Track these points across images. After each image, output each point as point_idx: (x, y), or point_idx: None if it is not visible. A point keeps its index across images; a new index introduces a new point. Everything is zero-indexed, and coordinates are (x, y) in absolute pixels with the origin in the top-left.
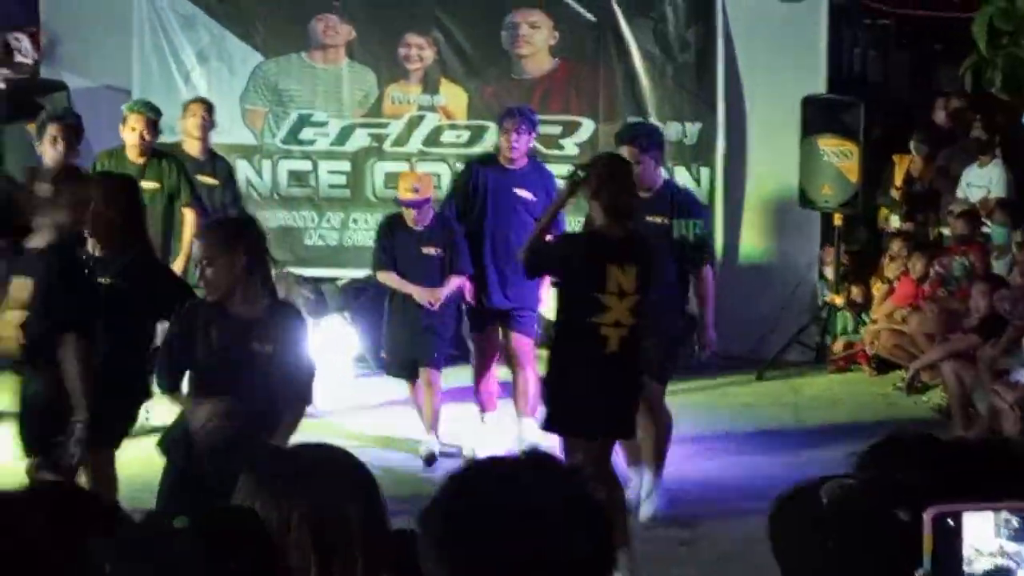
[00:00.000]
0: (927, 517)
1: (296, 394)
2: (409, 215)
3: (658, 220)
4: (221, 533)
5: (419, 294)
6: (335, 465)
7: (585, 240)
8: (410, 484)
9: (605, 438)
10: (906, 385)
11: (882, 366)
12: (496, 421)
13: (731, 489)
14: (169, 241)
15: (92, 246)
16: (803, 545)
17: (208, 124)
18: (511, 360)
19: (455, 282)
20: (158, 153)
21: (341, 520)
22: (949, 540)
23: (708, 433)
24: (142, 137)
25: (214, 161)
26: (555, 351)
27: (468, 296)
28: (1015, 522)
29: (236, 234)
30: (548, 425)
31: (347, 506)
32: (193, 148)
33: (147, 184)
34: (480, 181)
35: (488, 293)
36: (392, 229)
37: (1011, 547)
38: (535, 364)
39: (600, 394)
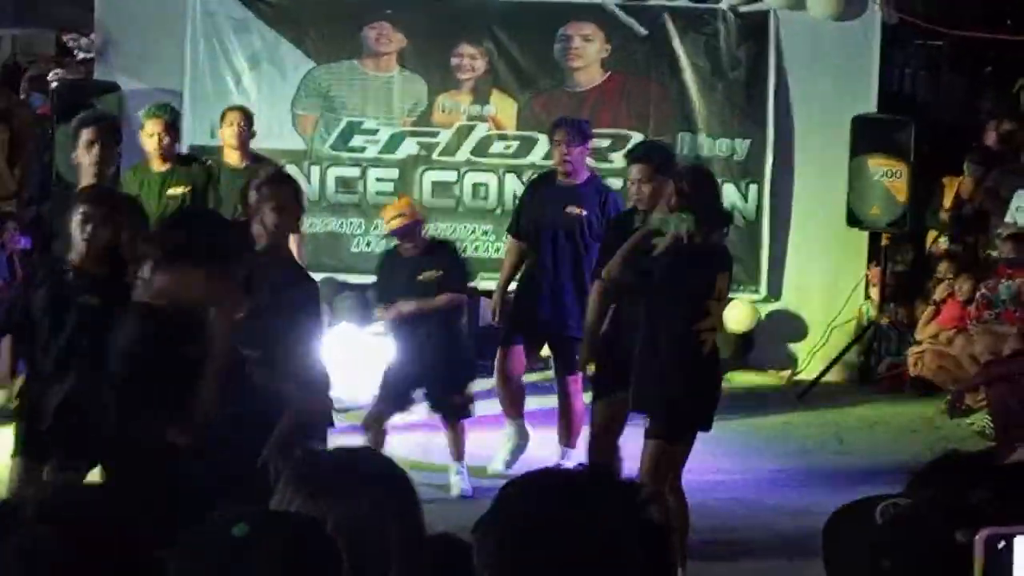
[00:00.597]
0: (979, 538)
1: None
2: (402, 244)
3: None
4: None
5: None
6: (375, 472)
7: (692, 250)
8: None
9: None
10: (949, 408)
11: (926, 388)
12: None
13: (773, 509)
14: None
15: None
16: (857, 564)
17: (246, 133)
18: (562, 390)
19: (439, 300)
20: (185, 158)
21: (378, 529)
22: (1001, 563)
23: (752, 453)
24: (161, 141)
25: (257, 168)
26: (658, 360)
27: (491, 318)
28: None
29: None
30: (674, 434)
31: (385, 515)
32: (232, 157)
33: (174, 190)
34: (536, 198)
35: (536, 310)
36: (390, 263)
37: None
38: (582, 395)
39: (701, 398)
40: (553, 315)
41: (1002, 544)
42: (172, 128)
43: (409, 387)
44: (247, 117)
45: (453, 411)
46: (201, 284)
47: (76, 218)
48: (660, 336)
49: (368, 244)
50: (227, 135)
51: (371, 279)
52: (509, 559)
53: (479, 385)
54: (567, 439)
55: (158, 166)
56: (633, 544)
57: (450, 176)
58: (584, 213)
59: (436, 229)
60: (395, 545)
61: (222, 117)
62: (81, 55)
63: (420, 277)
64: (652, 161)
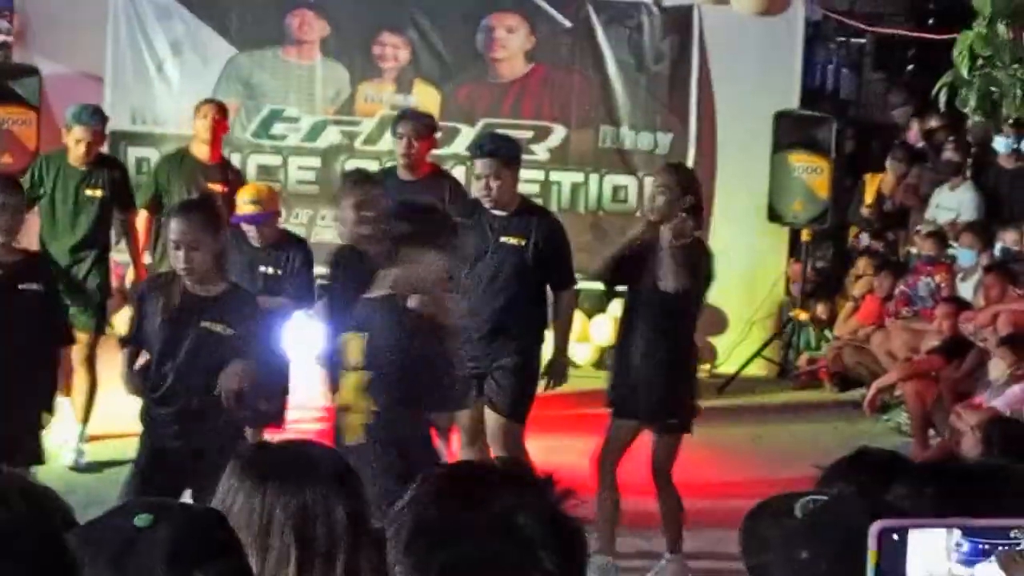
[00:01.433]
0: (873, 530)
1: (274, 384)
2: (249, 231)
3: (514, 242)
4: (187, 537)
5: None
6: (322, 463)
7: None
8: None
9: None
10: (867, 403)
11: (844, 383)
12: None
13: (692, 503)
14: (100, 246)
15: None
16: (775, 557)
17: (219, 127)
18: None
19: (276, 302)
20: (103, 159)
21: (325, 518)
22: (895, 555)
23: None
24: (89, 150)
25: (226, 169)
26: (688, 354)
27: None
28: (966, 546)
29: (217, 215)
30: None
31: (332, 505)
32: (201, 152)
33: (92, 192)
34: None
35: None
36: (237, 245)
37: (960, 571)
38: None
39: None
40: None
41: (896, 536)
42: (101, 136)
43: None
44: (221, 110)
45: (255, 418)
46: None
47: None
48: (679, 337)
49: None
50: (199, 128)
51: None
52: (418, 555)
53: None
54: None
55: (78, 163)
56: (545, 542)
57: (372, 165)
58: None
59: None
60: (342, 534)
61: (196, 109)
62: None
63: (261, 269)
64: (500, 155)
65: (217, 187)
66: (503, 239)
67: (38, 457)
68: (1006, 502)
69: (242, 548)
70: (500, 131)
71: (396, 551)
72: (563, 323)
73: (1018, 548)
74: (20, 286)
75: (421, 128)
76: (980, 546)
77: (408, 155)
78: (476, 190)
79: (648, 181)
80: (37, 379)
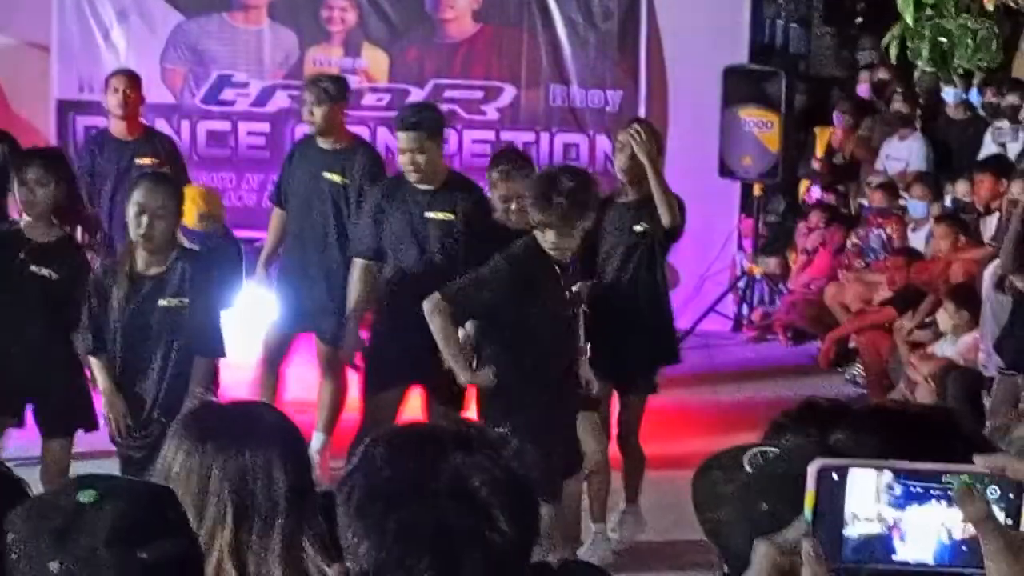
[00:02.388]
0: (811, 469)
1: (205, 347)
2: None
3: (440, 217)
4: (132, 515)
5: None
6: (264, 423)
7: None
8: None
9: None
10: (822, 356)
11: (798, 336)
12: None
13: (647, 459)
14: None
15: None
16: (733, 512)
17: (131, 100)
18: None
19: None
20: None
21: (265, 480)
22: (832, 495)
23: None
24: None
25: (152, 139)
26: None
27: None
28: (897, 488)
29: (180, 191)
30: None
31: (272, 465)
32: (118, 129)
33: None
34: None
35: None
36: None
37: (889, 513)
38: None
39: None
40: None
41: (836, 476)
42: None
43: None
44: (132, 81)
45: None
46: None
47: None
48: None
49: (240, 199)
50: (111, 103)
51: (243, 234)
52: (371, 517)
53: None
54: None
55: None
56: (499, 502)
57: None
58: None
59: None
60: (283, 496)
61: (105, 83)
62: None
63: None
64: (423, 127)
65: (147, 160)
66: (429, 214)
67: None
68: (949, 447)
69: (189, 527)
70: (450, 91)
71: (348, 514)
72: None
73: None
74: (32, 268)
75: (321, 94)
76: (912, 489)
77: (312, 123)
78: (401, 164)
79: (600, 140)
80: (48, 366)
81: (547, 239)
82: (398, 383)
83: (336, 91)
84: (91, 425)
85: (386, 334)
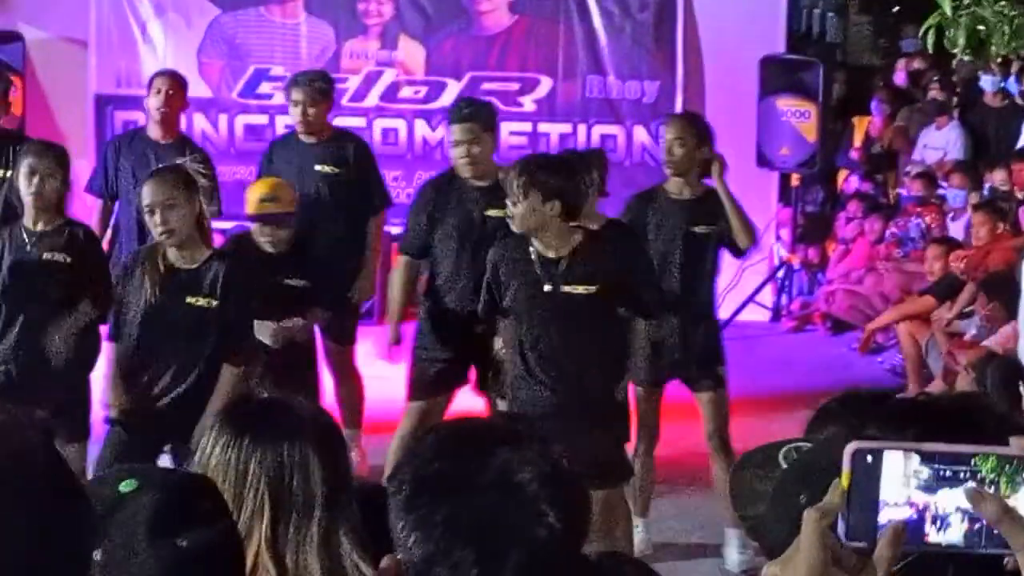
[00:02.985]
0: (847, 451)
1: (233, 349)
2: (263, 233)
3: (499, 214)
4: (171, 504)
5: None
6: (302, 417)
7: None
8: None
9: None
10: (861, 346)
11: (837, 326)
12: None
13: (688, 448)
14: None
15: None
16: (771, 508)
17: (172, 103)
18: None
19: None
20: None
21: (302, 474)
22: (868, 476)
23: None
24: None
25: (184, 147)
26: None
27: None
28: (926, 472)
29: (189, 176)
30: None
31: (310, 459)
32: (153, 131)
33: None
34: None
35: None
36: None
37: (920, 496)
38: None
39: None
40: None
41: (870, 458)
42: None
43: None
44: (176, 83)
45: None
46: None
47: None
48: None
49: None
50: (151, 104)
51: None
52: (420, 511)
53: None
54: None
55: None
56: (547, 497)
57: (359, 122)
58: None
59: None
60: (320, 490)
61: (149, 82)
62: None
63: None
64: (478, 119)
65: None
66: (489, 212)
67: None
68: (984, 432)
69: (229, 516)
70: (487, 84)
71: (398, 506)
72: None
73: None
74: (44, 256)
75: (315, 93)
76: (941, 472)
77: (305, 122)
78: (455, 157)
79: (637, 131)
80: (62, 354)
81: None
82: (443, 390)
83: (329, 89)
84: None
85: (434, 336)
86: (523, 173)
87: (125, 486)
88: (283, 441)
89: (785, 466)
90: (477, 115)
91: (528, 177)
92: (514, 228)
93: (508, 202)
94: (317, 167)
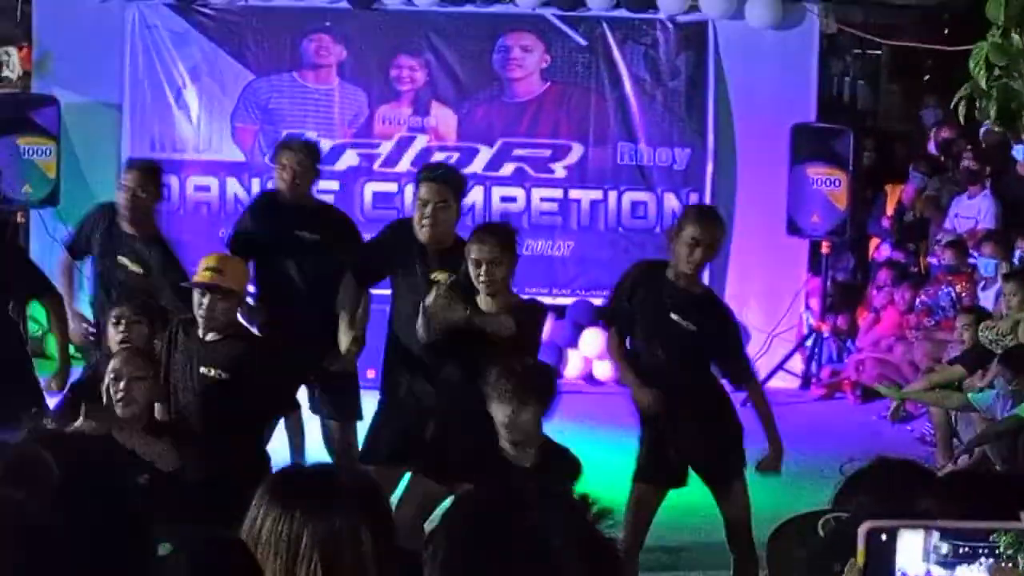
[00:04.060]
0: (861, 531)
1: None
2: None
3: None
4: (206, 564)
5: None
6: (350, 488)
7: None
8: None
9: None
10: (891, 414)
11: (867, 394)
12: None
13: (717, 515)
14: None
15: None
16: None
17: (302, 171)
18: None
19: None
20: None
21: (352, 543)
22: (882, 556)
23: None
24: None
25: (318, 214)
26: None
27: None
28: (944, 548)
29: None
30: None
31: (359, 530)
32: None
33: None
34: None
35: None
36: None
37: (938, 572)
38: None
39: None
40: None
41: (884, 537)
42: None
43: None
44: (305, 152)
45: None
46: None
47: None
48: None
49: None
50: (280, 178)
51: None
52: (455, 573)
53: None
54: None
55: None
56: (580, 565)
57: (391, 187)
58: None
59: None
60: (371, 559)
61: (275, 156)
62: (6, 73)
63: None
64: (451, 183)
65: (307, 234)
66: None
67: None
68: None
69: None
70: (518, 150)
71: (433, 571)
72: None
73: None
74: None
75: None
76: (960, 548)
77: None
78: (420, 217)
79: (668, 198)
80: None
81: None
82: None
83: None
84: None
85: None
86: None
87: (161, 548)
88: (333, 511)
89: (822, 534)
90: (447, 178)
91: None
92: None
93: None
94: (297, 232)
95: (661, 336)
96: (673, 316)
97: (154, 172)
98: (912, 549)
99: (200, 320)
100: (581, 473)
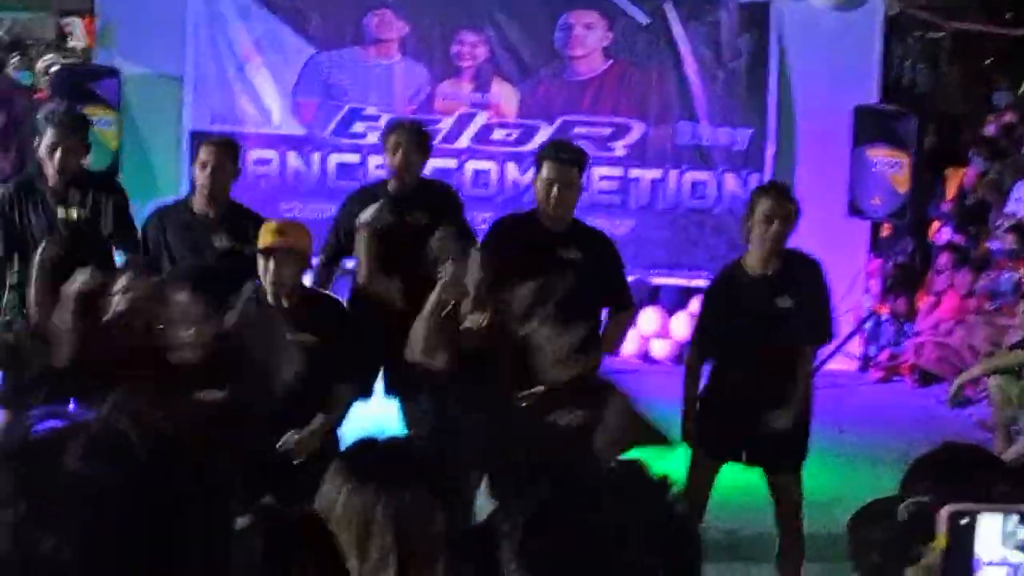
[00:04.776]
0: (943, 513)
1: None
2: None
3: (574, 256)
4: (284, 540)
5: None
6: (423, 463)
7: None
8: None
9: None
10: (950, 398)
11: (925, 378)
12: None
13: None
14: None
15: None
16: (886, 558)
17: (416, 154)
18: None
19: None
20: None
21: (425, 519)
22: (964, 538)
23: None
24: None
25: (429, 194)
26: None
27: None
28: (1022, 534)
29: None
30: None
31: (432, 508)
32: (392, 185)
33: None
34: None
35: None
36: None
37: (1016, 557)
38: None
39: None
40: None
41: (965, 520)
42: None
43: None
44: (413, 133)
45: None
46: None
47: None
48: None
49: None
50: (387, 161)
51: None
52: (532, 555)
53: None
54: None
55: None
56: (660, 539)
57: (451, 164)
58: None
59: None
60: (442, 534)
61: (384, 138)
62: (73, 42)
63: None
64: (579, 162)
65: (416, 216)
66: (562, 254)
67: None
68: None
69: (338, 549)
70: (578, 128)
71: (510, 549)
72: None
73: None
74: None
75: (236, 157)
76: None
77: (219, 188)
78: (546, 196)
79: (728, 177)
80: None
81: None
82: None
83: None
84: None
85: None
86: None
87: (239, 522)
88: (406, 487)
89: (903, 519)
90: (576, 158)
91: None
92: None
93: None
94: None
95: (756, 330)
96: (764, 305)
97: (234, 148)
98: (990, 534)
99: (269, 287)
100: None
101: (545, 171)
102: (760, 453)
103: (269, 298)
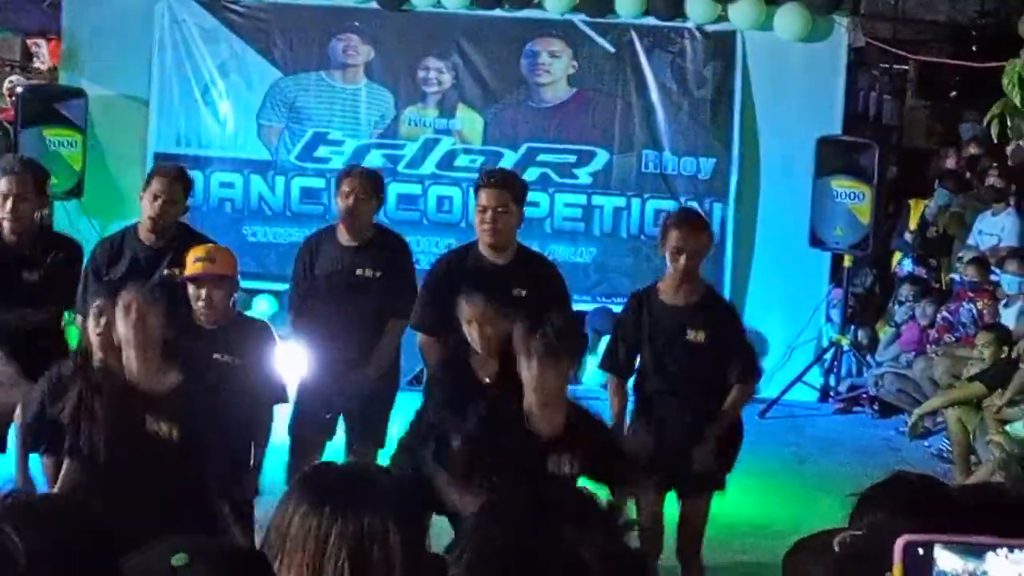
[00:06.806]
0: (898, 544)
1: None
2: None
3: (522, 293)
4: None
5: None
6: (381, 487)
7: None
8: None
9: None
10: (909, 429)
11: (885, 409)
12: None
13: (733, 527)
14: None
15: None
16: None
17: (367, 203)
18: None
19: None
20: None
21: (381, 543)
22: (919, 569)
23: None
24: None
25: (380, 243)
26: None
27: None
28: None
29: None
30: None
31: (389, 530)
32: (342, 236)
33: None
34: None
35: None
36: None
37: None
38: None
39: None
40: None
41: (921, 551)
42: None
43: None
44: (367, 180)
45: None
46: None
47: None
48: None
49: None
50: (341, 207)
51: None
52: None
53: None
54: None
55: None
56: (609, 571)
57: (415, 189)
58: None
59: None
60: (399, 560)
61: (338, 182)
62: (37, 64)
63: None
64: (513, 189)
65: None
66: (514, 291)
67: None
68: None
69: None
70: (543, 155)
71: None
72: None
73: None
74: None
75: (185, 191)
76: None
77: (167, 221)
78: (482, 222)
79: (691, 207)
80: None
81: None
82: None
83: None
84: None
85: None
86: None
87: (177, 560)
88: (363, 510)
89: (838, 551)
90: (509, 184)
91: None
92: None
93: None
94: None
95: (670, 355)
96: (680, 334)
97: (184, 181)
98: (950, 564)
99: (200, 313)
100: (611, 434)
101: (479, 198)
102: (677, 480)
103: (201, 322)
